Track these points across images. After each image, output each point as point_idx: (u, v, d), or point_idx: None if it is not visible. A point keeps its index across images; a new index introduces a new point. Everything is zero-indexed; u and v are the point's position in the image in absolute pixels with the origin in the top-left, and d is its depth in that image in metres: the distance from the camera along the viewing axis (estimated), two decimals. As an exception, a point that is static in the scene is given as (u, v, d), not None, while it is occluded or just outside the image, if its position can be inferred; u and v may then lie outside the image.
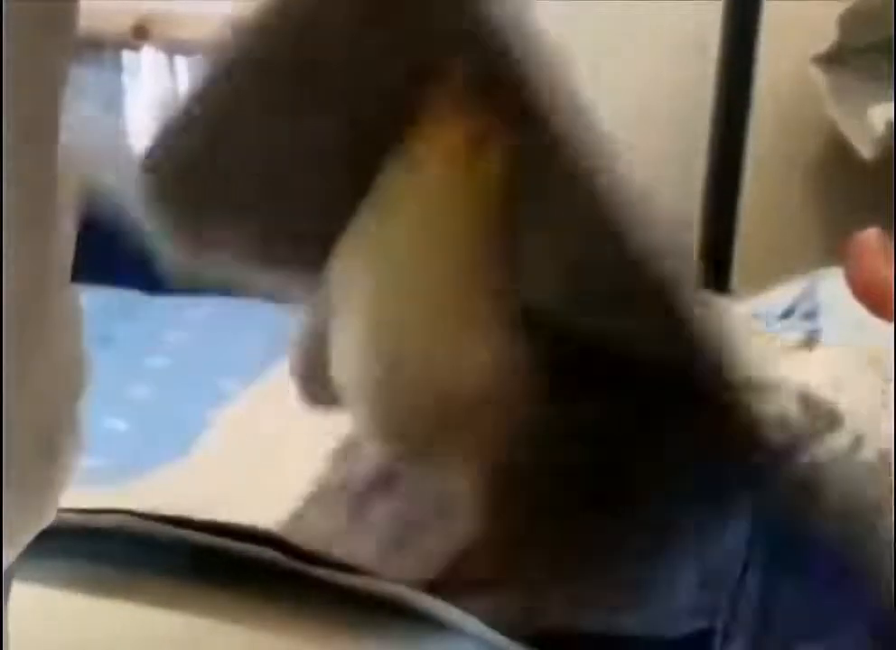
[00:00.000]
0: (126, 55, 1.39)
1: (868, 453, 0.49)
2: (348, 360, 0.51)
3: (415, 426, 0.51)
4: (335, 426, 0.65)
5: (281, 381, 0.72)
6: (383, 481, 0.54)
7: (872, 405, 0.53)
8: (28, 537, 0.29)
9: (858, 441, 0.50)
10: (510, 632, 0.41)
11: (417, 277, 0.49)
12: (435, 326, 0.49)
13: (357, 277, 0.50)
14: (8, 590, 0.30)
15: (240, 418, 0.69)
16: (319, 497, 0.61)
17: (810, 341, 0.61)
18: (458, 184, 0.49)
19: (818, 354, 0.60)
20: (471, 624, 0.37)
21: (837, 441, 0.50)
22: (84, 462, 0.31)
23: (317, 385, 0.52)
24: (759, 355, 0.56)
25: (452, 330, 0.50)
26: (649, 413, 0.62)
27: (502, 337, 0.50)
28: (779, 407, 0.51)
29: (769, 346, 0.61)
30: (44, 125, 0.26)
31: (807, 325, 0.98)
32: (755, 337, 0.62)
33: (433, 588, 0.43)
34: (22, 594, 0.31)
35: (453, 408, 0.50)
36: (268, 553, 0.39)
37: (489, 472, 0.52)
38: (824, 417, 0.51)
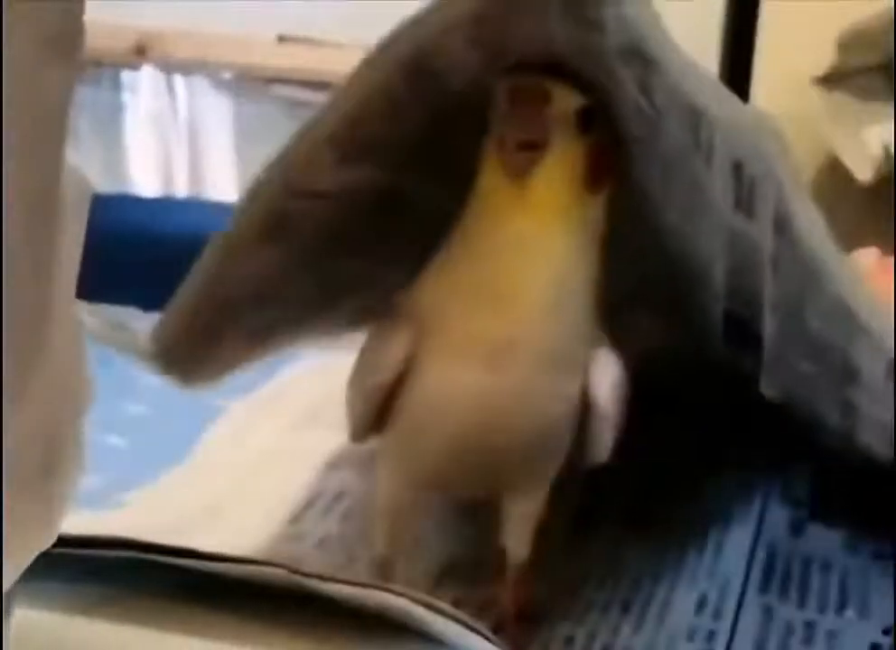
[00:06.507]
0: (125, 74, 1.39)
1: None
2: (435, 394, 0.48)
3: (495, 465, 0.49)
4: (325, 440, 0.66)
5: (273, 395, 0.73)
6: None
7: None
8: (29, 558, 0.29)
9: None
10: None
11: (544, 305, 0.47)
12: (552, 356, 0.47)
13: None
14: (9, 613, 0.30)
15: (233, 430, 0.70)
16: (314, 504, 0.61)
17: None
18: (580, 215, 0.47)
19: None
20: (476, 642, 0.37)
21: None
22: (85, 480, 0.31)
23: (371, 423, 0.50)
24: None
25: (564, 361, 0.48)
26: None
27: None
28: None
29: None
30: (49, 144, 0.26)
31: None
32: None
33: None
34: (22, 618, 0.31)
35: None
36: (272, 571, 0.39)
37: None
38: None
